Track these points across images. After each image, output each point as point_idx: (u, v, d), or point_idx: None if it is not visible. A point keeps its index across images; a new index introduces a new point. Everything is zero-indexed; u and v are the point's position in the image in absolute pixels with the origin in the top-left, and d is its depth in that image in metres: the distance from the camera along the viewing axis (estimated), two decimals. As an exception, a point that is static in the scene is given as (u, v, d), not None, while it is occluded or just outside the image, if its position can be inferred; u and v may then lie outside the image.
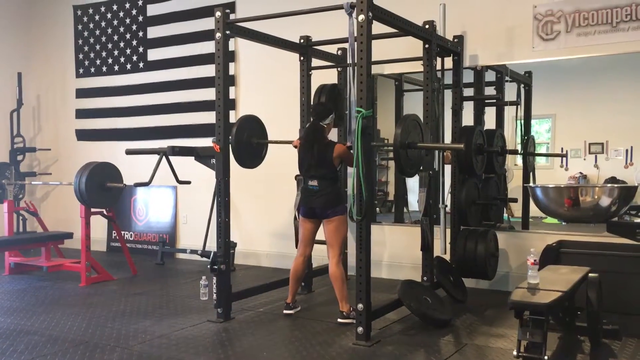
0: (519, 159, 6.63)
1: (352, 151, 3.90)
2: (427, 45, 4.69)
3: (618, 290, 4.20)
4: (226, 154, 4.45)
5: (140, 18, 7.76)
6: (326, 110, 4.58)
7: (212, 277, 4.46)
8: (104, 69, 8.11)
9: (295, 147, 4.71)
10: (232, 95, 6.66)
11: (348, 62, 3.91)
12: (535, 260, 3.43)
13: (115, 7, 7.97)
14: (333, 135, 6.01)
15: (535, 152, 6.34)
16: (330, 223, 4.42)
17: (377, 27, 3.96)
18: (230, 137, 4.59)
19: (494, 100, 5.66)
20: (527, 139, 5.94)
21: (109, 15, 8.04)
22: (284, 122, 6.27)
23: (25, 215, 8.13)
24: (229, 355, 3.68)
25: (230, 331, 4.21)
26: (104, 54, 8.11)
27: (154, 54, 7.66)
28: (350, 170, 3.99)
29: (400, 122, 4.08)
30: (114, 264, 6.75)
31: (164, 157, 5.23)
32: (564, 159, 7.57)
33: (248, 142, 4.98)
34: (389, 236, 6.06)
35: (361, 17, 3.74)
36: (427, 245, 4.67)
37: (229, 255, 4.56)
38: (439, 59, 5.00)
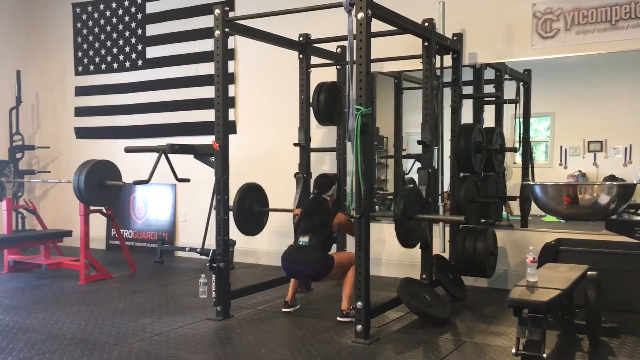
0: (518, 157, 6.63)
1: (352, 221, 3.97)
2: (426, 43, 4.69)
3: (617, 288, 4.21)
4: (225, 152, 4.45)
5: (139, 15, 7.75)
6: (329, 182, 4.73)
7: (211, 275, 4.46)
8: (103, 66, 8.10)
9: (296, 215, 4.78)
10: (231, 93, 6.65)
11: (347, 59, 3.91)
12: (534, 258, 3.43)
13: (114, 5, 7.96)
14: (332, 134, 6.03)
15: (534, 155, 6.36)
16: (332, 275, 4.44)
17: (376, 25, 3.96)
18: (231, 205, 4.69)
19: (493, 98, 5.65)
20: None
21: (107, 13, 8.03)
22: (283, 120, 6.28)
23: (24, 213, 8.12)
24: (228, 353, 3.68)
25: (229, 329, 4.21)
26: (102, 51, 8.10)
27: (152, 52, 7.65)
28: (350, 168, 3.99)
29: (399, 194, 4.24)
30: (113, 262, 6.75)
31: (163, 155, 5.22)
32: (563, 157, 7.57)
33: (249, 209, 5.07)
34: (388, 234, 6.06)
35: (360, 14, 3.74)
36: (426, 244, 4.68)
37: (228, 253, 4.56)
38: (438, 57, 4.99)
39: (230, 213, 4.66)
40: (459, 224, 5.00)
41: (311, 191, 4.96)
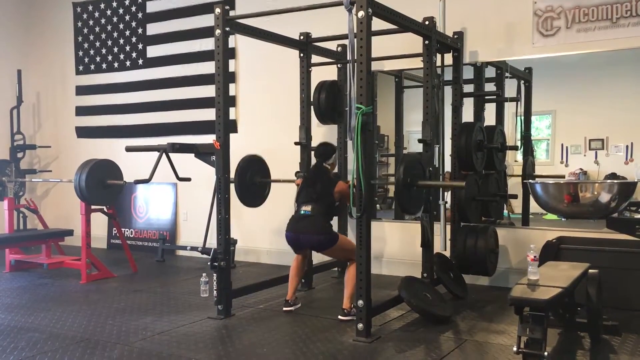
0: (519, 156, 6.63)
1: (349, 188, 3.95)
2: (427, 42, 4.69)
3: (618, 286, 4.21)
4: (226, 151, 4.46)
5: (140, 15, 7.75)
6: (330, 150, 4.70)
7: (212, 274, 4.46)
8: (104, 66, 8.11)
9: (298, 185, 4.78)
10: (232, 92, 6.65)
11: (348, 58, 3.91)
12: (535, 257, 3.43)
13: (114, 4, 7.96)
14: (333, 132, 6.03)
15: (535, 153, 6.35)
16: (334, 250, 4.45)
17: (377, 24, 3.96)
18: (232, 177, 4.66)
19: (494, 97, 5.65)
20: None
21: (108, 12, 8.03)
22: (284, 119, 6.28)
23: (25, 213, 8.12)
24: (229, 352, 3.68)
25: (230, 328, 4.22)
26: (103, 51, 8.10)
27: (153, 51, 7.65)
28: (351, 167, 3.99)
29: (400, 161, 4.17)
30: (114, 261, 6.76)
31: (164, 154, 5.22)
32: (564, 155, 7.57)
33: (251, 181, 5.05)
34: (389, 233, 6.07)
35: (361, 13, 3.74)
36: (427, 242, 4.68)
37: (229, 252, 4.56)
38: (438, 55, 4.99)
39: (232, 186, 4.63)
40: (460, 188, 4.89)
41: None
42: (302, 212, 4.48)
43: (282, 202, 6.10)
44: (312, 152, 4.88)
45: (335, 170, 4.95)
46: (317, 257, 5.58)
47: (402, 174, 4.07)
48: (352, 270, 4.32)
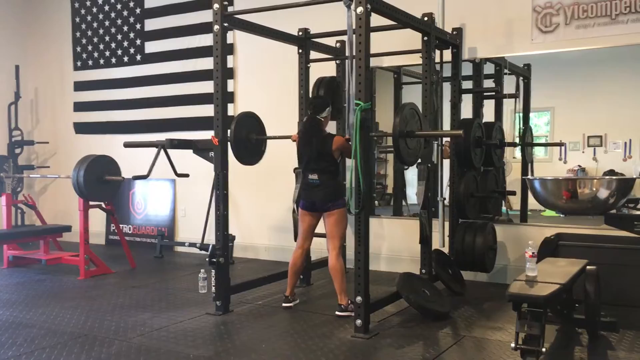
0: (517, 152, 6.63)
1: (351, 143, 3.88)
2: (426, 38, 4.68)
3: (616, 283, 4.21)
4: (224, 147, 4.45)
5: (138, 10, 7.73)
6: (323, 103, 4.58)
7: (210, 270, 4.46)
8: (102, 61, 8.09)
9: (294, 141, 4.71)
10: (230, 88, 6.64)
11: (347, 54, 3.90)
12: (533, 253, 3.43)
13: (112, 0, 7.93)
14: (332, 129, 6.02)
15: (534, 142, 6.34)
16: (332, 216, 4.42)
17: (376, 20, 3.95)
18: (228, 134, 4.58)
19: (493, 93, 5.65)
20: (525, 129, 5.93)
21: (106, 8, 8.00)
22: (282, 115, 6.26)
23: (23, 209, 8.12)
24: (228, 348, 3.68)
25: (228, 324, 4.22)
26: (101, 46, 8.08)
27: (151, 47, 7.64)
28: (349, 163, 3.98)
29: (398, 111, 4.08)
30: (112, 257, 6.76)
31: (162, 150, 5.22)
32: (563, 152, 7.57)
33: (247, 138, 4.97)
34: (388, 229, 6.07)
35: (360, 9, 3.73)
36: (425, 238, 4.68)
37: (228, 248, 4.56)
38: (437, 52, 4.98)
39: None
40: (458, 137, 4.82)
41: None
42: (310, 180, 4.45)
43: (280, 199, 6.11)
44: (307, 105, 4.77)
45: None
46: (316, 253, 5.58)
47: (399, 123, 4.00)
48: (335, 264, 4.35)
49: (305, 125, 4.62)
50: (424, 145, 4.44)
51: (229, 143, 4.58)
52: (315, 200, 4.46)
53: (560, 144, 7.47)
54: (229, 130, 4.61)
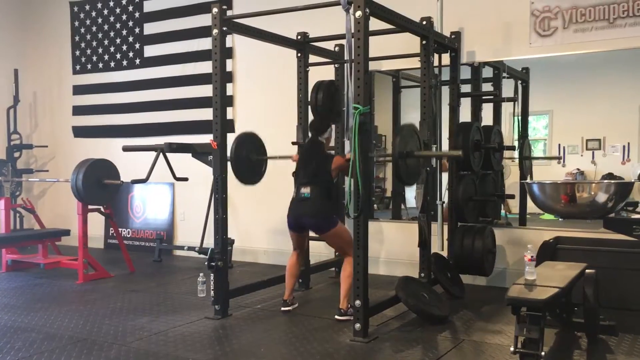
0: (516, 156, 6.65)
1: (350, 154, 3.88)
2: (424, 42, 4.69)
3: (615, 286, 4.21)
4: (223, 151, 4.45)
5: (137, 14, 7.74)
6: (324, 124, 4.65)
7: (209, 274, 4.46)
8: (101, 65, 8.09)
9: (294, 161, 4.75)
10: (229, 92, 6.65)
11: (345, 58, 3.91)
12: (532, 257, 3.43)
13: (111, 3, 7.94)
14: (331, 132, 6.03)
15: (532, 152, 6.34)
16: (329, 236, 4.44)
17: (375, 24, 3.96)
18: (228, 154, 4.63)
19: (492, 97, 5.65)
20: (523, 143, 5.92)
21: (105, 12, 8.01)
22: (281, 120, 6.27)
23: (22, 212, 8.11)
24: (227, 352, 3.68)
25: (227, 328, 4.21)
26: (100, 50, 8.08)
27: (150, 51, 7.64)
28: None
29: (398, 132, 4.10)
30: (111, 261, 6.75)
31: (161, 154, 5.21)
32: (562, 155, 7.59)
33: (247, 158, 5.01)
34: (387, 233, 6.07)
35: (358, 13, 3.73)
36: (424, 242, 4.68)
37: (227, 252, 4.56)
38: (436, 55, 4.99)
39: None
40: (456, 158, 4.87)
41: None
42: (301, 194, 4.44)
43: (279, 203, 6.08)
44: (309, 126, 4.82)
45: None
46: (314, 257, 5.58)
47: (399, 144, 4.04)
48: (348, 269, 4.32)
49: (306, 147, 4.70)
50: (423, 162, 4.47)
51: (229, 163, 4.61)
52: (303, 215, 4.41)
53: (557, 157, 7.49)
54: (229, 150, 4.65)
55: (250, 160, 5.03)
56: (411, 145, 4.18)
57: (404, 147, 4.08)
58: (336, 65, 5.85)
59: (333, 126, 4.62)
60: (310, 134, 4.69)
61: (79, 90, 8.31)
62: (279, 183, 5.78)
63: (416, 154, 4.20)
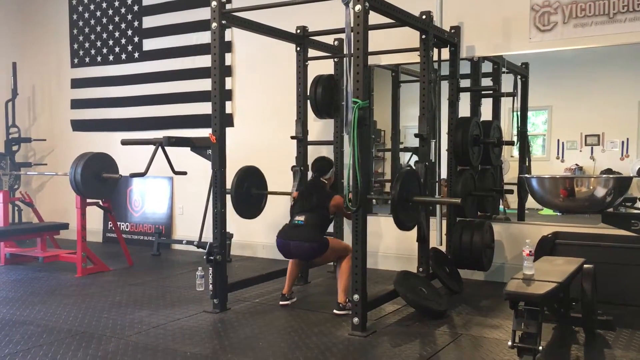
0: (515, 151, 6.65)
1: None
2: (424, 36, 4.67)
3: (613, 281, 4.22)
4: (222, 145, 4.44)
5: (136, 8, 7.71)
6: (327, 165, 4.71)
7: (208, 268, 4.46)
8: (99, 59, 8.07)
9: (294, 198, 4.78)
10: (228, 86, 6.64)
11: (345, 52, 3.90)
12: (530, 252, 3.43)
13: (110, -3, 7.93)
14: (330, 127, 6.03)
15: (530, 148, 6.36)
16: (327, 255, 4.45)
17: (374, 17, 3.95)
18: (229, 188, 4.69)
19: (491, 92, 5.65)
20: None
21: (104, 5, 7.99)
22: (280, 113, 6.27)
23: (20, 206, 8.10)
24: (225, 346, 3.68)
25: (226, 322, 4.22)
26: (99, 43, 8.06)
27: (149, 44, 7.62)
28: (347, 161, 3.98)
29: (397, 178, 4.18)
30: (109, 254, 6.75)
31: (159, 148, 5.20)
32: (560, 150, 7.59)
33: (247, 192, 5.07)
34: (385, 227, 6.07)
35: (358, 7, 3.72)
36: (423, 237, 4.68)
37: (225, 246, 4.55)
38: (435, 50, 4.98)
39: (229, 197, 4.64)
40: (456, 205, 4.94)
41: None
42: (295, 221, 4.49)
43: (277, 196, 6.08)
44: (310, 167, 4.87)
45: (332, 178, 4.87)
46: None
47: (399, 189, 4.10)
48: (345, 264, 4.34)
49: (307, 185, 4.76)
50: (423, 207, 4.52)
51: (228, 196, 4.65)
52: (293, 240, 4.40)
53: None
54: (229, 184, 4.71)
55: (250, 194, 5.11)
56: (410, 190, 4.23)
57: (403, 192, 4.14)
58: (335, 60, 5.84)
59: (334, 168, 4.68)
60: (312, 175, 4.75)
61: (77, 83, 8.29)
62: (279, 177, 5.78)
63: (415, 200, 4.26)
